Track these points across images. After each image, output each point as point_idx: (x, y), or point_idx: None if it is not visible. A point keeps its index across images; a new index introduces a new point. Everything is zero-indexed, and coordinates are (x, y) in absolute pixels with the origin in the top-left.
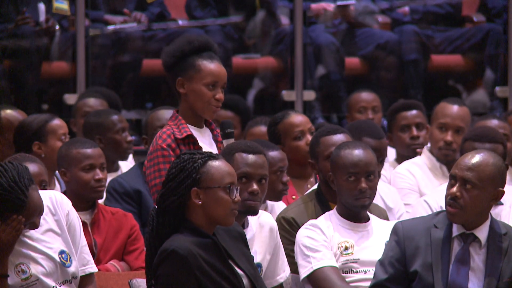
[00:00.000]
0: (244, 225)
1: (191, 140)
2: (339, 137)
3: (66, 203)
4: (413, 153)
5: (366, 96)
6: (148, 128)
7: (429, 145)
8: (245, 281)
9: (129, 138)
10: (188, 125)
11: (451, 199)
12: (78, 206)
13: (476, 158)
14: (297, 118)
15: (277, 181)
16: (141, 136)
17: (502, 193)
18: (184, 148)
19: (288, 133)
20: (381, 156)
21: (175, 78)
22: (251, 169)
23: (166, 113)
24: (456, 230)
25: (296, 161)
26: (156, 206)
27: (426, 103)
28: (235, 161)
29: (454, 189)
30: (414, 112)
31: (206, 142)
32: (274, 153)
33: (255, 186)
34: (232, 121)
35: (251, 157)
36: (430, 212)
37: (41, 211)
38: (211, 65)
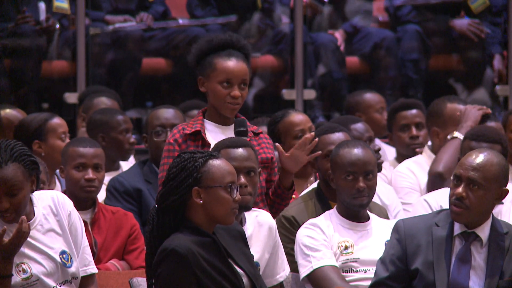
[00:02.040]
0: (242, 223)
1: (198, 137)
2: (337, 136)
3: (68, 204)
4: (413, 153)
5: (379, 97)
6: (148, 127)
7: (429, 143)
8: (244, 280)
9: (132, 139)
10: (210, 122)
11: (456, 199)
12: (78, 205)
13: (480, 158)
14: (298, 117)
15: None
16: (141, 135)
17: (506, 192)
18: (192, 143)
19: (289, 132)
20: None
21: (197, 77)
22: (236, 162)
23: (166, 112)
24: (457, 228)
25: None
26: (156, 205)
27: (426, 102)
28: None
29: (460, 189)
30: (414, 111)
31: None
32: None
33: (242, 179)
34: (245, 120)
35: (236, 151)
36: (430, 211)
37: (9, 191)
38: (226, 63)
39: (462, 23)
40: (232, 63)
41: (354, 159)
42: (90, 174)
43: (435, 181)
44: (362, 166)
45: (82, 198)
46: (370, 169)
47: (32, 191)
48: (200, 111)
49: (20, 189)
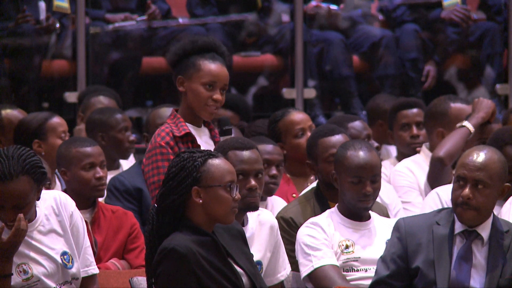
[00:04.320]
0: (244, 222)
1: (189, 138)
2: (337, 138)
3: (70, 204)
4: (413, 152)
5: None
6: (149, 126)
7: (427, 143)
8: (244, 279)
9: (132, 137)
10: (187, 124)
11: (463, 201)
12: (79, 204)
13: (481, 156)
14: (298, 115)
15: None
16: (142, 134)
17: (508, 188)
18: (182, 146)
19: (289, 131)
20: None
21: (176, 76)
22: (247, 165)
23: (167, 111)
24: (458, 227)
25: (297, 159)
26: (155, 205)
27: (426, 101)
28: (229, 160)
29: (467, 191)
30: (414, 110)
31: (203, 141)
32: (267, 146)
33: (253, 182)
34: (229, 118)
35: (245, 154)
36: (439, 205)
37: (17, 205)
38: (211, 65)
39: (448, 10)
40: (217, 67)
41: (362, 163)
42: (100, 172)
43: (435, 166)
44: (370, 170)
45: (93, 197)
46: (376, 173)
47: (38, 199)
48: (175, 111)
49: (28, 203)
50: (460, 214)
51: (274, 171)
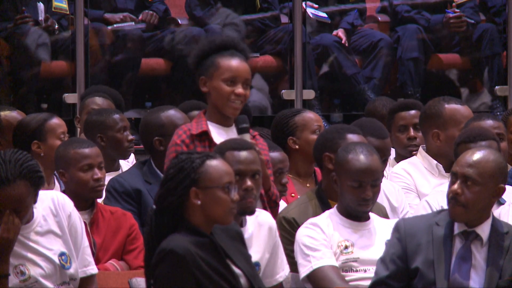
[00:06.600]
0: (242, 223)
1: (204, 137)
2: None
3: (68, 205)
4: (411, 154)
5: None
6: (166, 128)
7: (424, 145)
8: (242, 280)
9: (130, 137)
10: (211, 123)
11: (452, 196)
12: (77, 206)
13: (476, 155)
14: (313, 114)
15: (276, 182)
16: (154, 139)
17: (503, 189)
18: (199, 144)
19: (307, 126)
20: (384, 156)
21: (199, 77)
22: (243, 165)
23: (179, 113)
24: (458, 227)
25: (306, 156)
26: (154, 206)
27: (425, 102)
28: (226, 160)
29: (455, 186)
30: (412, 112)
31: None
32: (274, 154)
33: (249, 183)
34: (246, 117)
35: (242, 154)
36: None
37: (15, 209)
38: (230, 61)
39: (441, 17)
40: (236, 62)
41: (363, 168)
42: (98, 173)
43: None
44: (371, 175)
45: (91, 198)
46: (377, 177)
47: (35, 202)
48: (202, 112)
49: (26, 207)
50: (450, 209)
51: (285, 179)
